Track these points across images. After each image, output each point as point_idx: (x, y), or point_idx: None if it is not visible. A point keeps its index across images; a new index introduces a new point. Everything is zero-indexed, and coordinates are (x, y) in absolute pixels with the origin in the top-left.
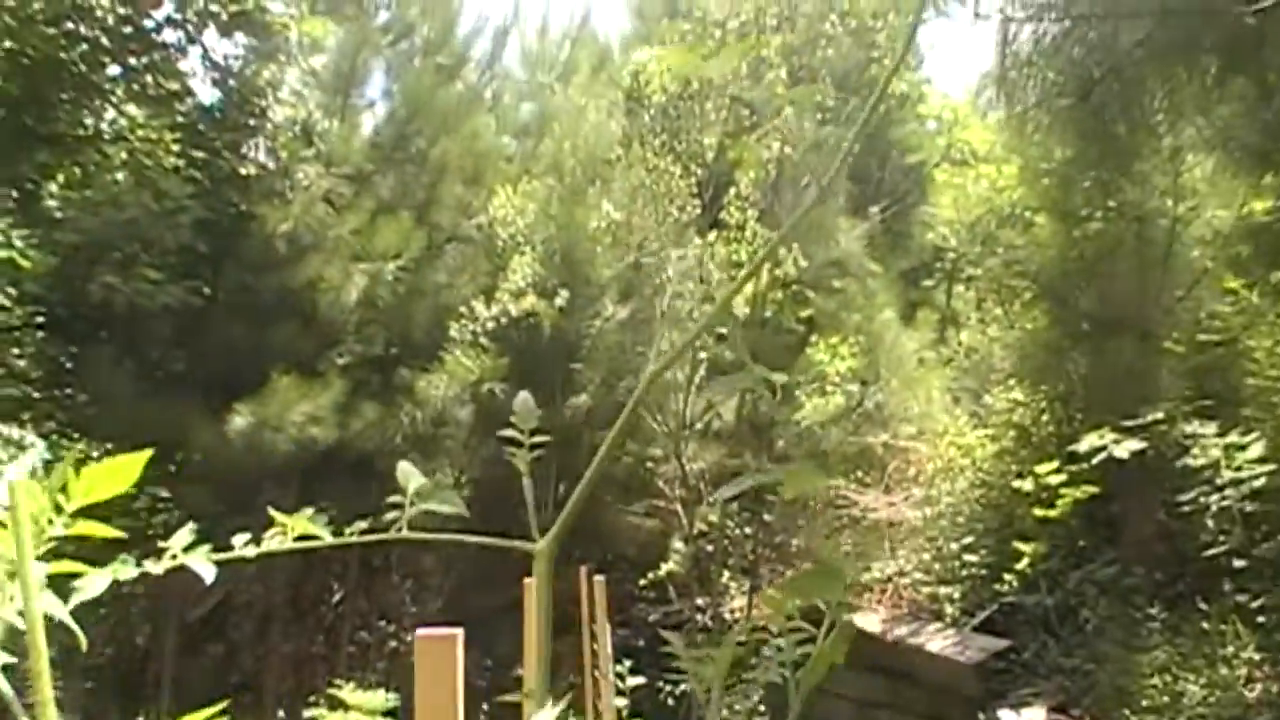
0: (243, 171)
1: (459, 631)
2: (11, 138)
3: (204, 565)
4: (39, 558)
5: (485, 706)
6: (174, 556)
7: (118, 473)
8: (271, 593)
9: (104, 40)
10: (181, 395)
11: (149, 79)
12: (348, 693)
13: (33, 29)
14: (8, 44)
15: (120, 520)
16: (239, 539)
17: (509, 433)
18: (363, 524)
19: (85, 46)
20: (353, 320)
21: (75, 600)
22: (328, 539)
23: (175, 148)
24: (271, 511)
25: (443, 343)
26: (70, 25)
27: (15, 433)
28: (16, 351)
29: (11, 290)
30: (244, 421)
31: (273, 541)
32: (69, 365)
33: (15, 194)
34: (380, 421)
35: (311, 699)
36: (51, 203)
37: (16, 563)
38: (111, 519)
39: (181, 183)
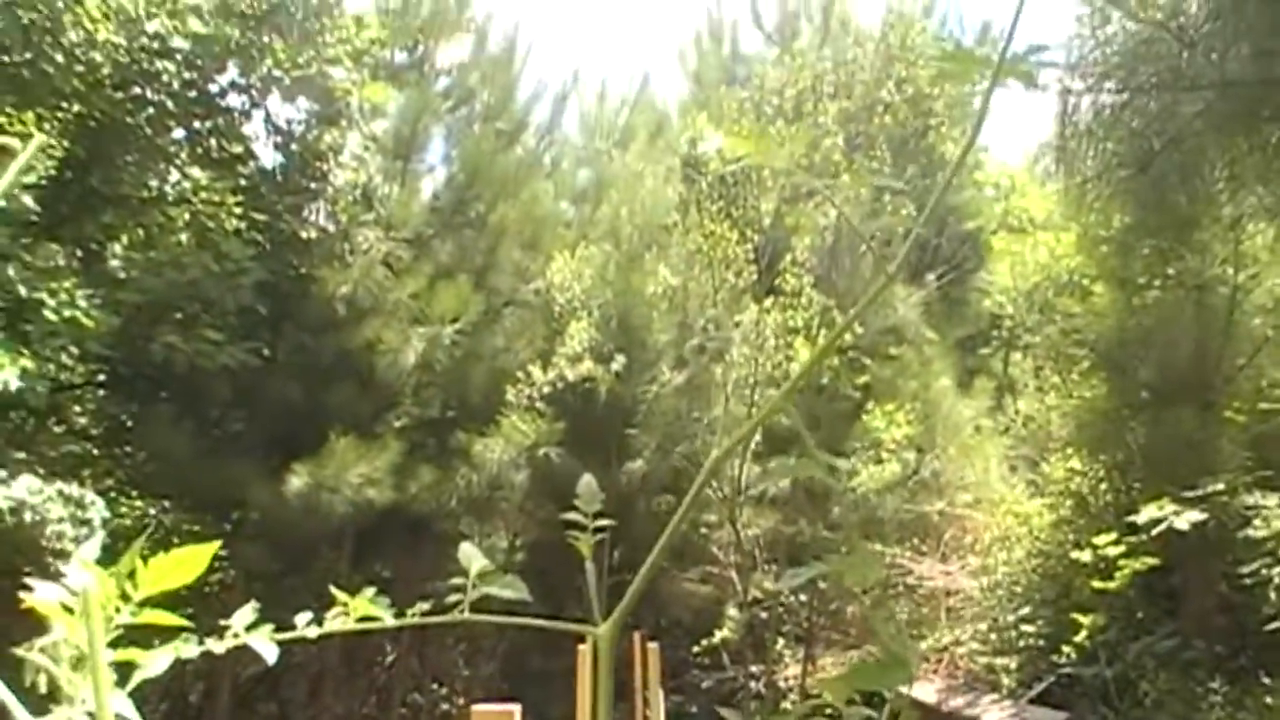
0: (303, 234)
1: (515, 708)
2: (77, 199)
3: (266, 645)
4: (108, 645)
5: None
6: (236, 635)
7: (186, 563)
8: (325, 652)
9: (169, 104)
10: (240, 455)
11: (213, 142)
12: None
13: (100, 93)
14: (76, 108)
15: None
16: (301, 618)
17: (572, 515)
18: (424, 604)
19: (151, 110)
20: (410, 383)
21: (137, 679)
22: (389, 620)
23: (237, 210)
24: (333, 590)
25: (499, 406)
26: (136, 89)
27: (75, 490)
28: (78, 409)
29: (74, 349)
30: (301, 482)
31: (335, 621)
32: (129, 423)
33: (80, 254)
34: (436, 484)
35: None
36: (115, 263)
37: (89, 656)
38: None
39: (243, 245)
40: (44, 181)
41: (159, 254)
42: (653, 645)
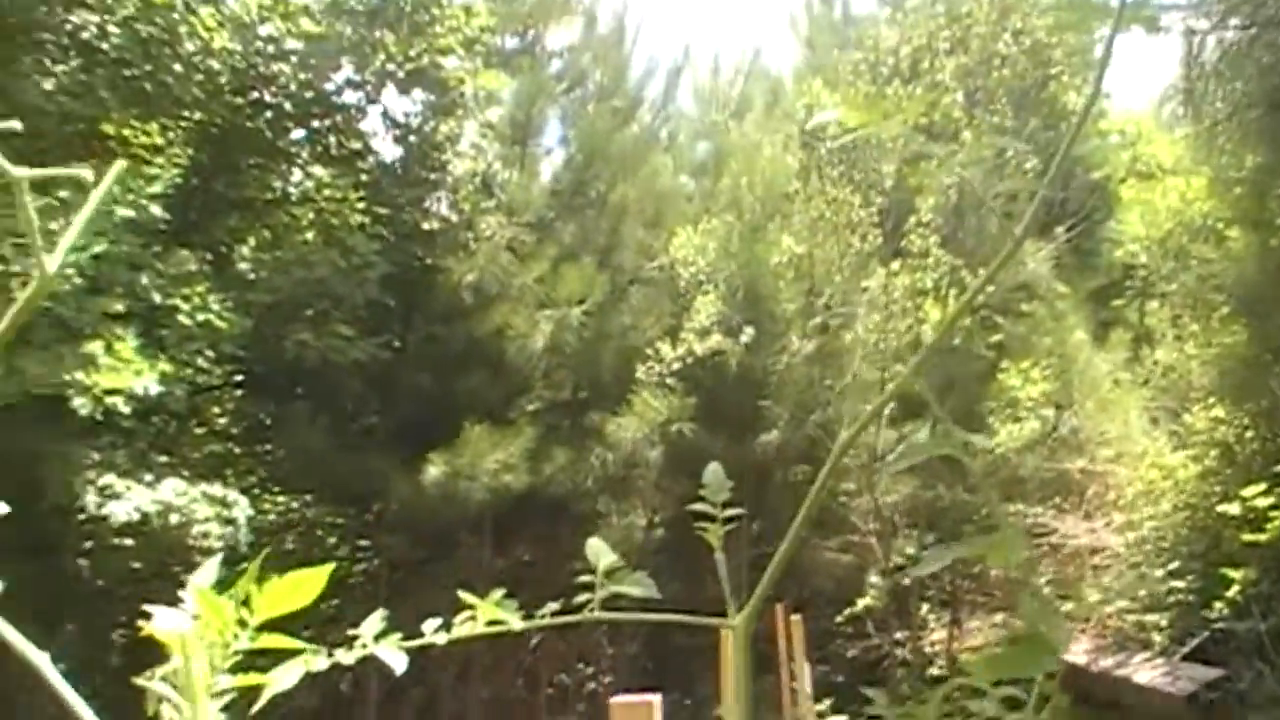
0: (426, 225)
1: (656, 699)
2: (204, 205)
3: (394, 655)
4: (227, 670)
5: None
6: (364, 645)
7: (301, 587)
8: (471, 637)
9: (287, 105)
10: (376, 447)
11: (332, 140)
12: None
13: (219, 99)
14: (197, 115)
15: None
16: (429, 624)
17: (701, 506)
18: (554, 605)
19: (269, 113)
20: (540, 366)
21: (269, 693)
22: (517, 624)
23: (360, 205)
24: (461, 595)
25: (630, 385)
26: (254, 94)
27: (219, 490)
28: (218, 410)
29: (210, 352)
30: (438, 471)
31: (463, 627)
32: (268, 422)
33: (210, 258)
34: (571, 465)
35: None
36: (244, 265)
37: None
38: (317, 564)
39: (368, 239)
40: (171, 190)
41: (286, 253)
42: (796, 617)
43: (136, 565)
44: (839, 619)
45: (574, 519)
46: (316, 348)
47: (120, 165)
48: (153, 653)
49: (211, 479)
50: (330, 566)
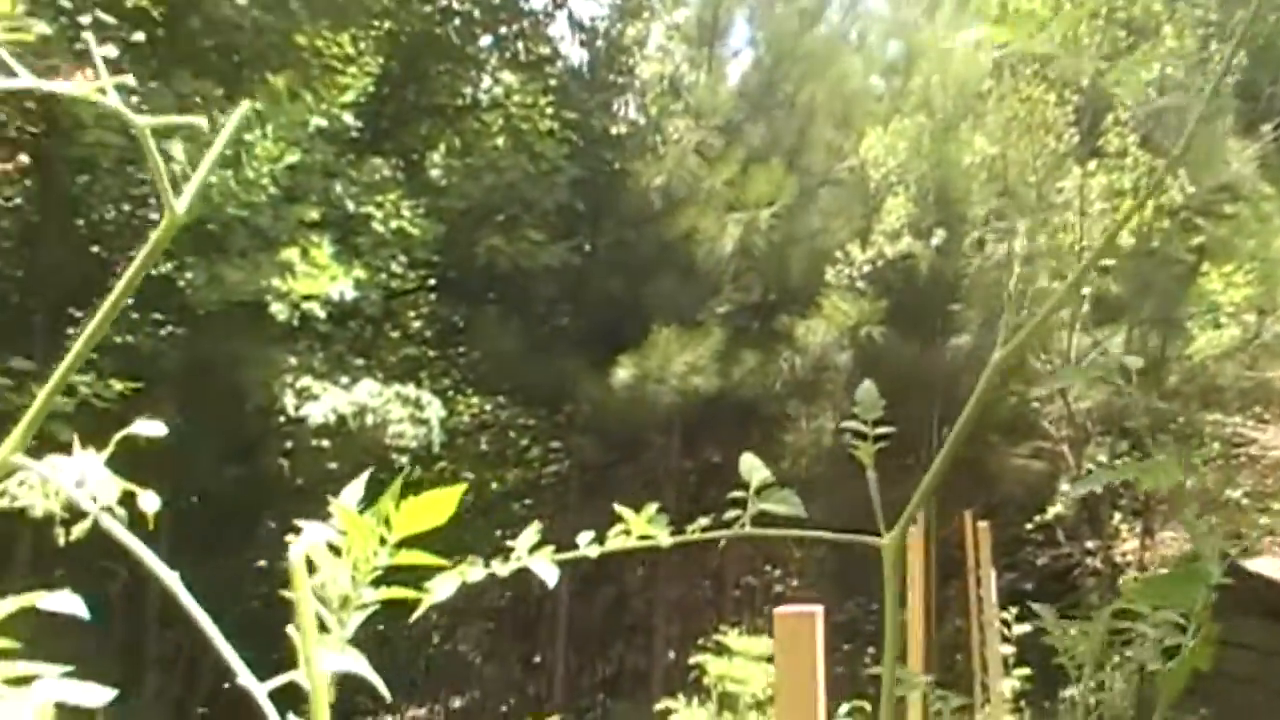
0: (614, 130)
1: (817, 609)
2: (396, 113)
3: (547, 568)
4: (370, 584)
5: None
6: (518, 558)
7: (435, 506)
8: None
9: (475, 12)
10: (566, 349)
11: (520, 46)
12: (732, 638)
13: (409, 8)
14: (388, 25)
15: (516, 470)
16: (583, 537)
17: (852, 424)
18: (705, 520)
19: (458, 20)
20: (729, 269)
21: (427, 603)
22: (665, 540)
23: (549, 111)
24: (617, 507)
25: (819, 288)
26: (444, 1)
27: (413, 391)
28: (412, 314)
29: (403, 257)
30: (627, 374)
31: (615, 541)
32: (461, 325)
33: (402, 166)
34: (760, 368)
35: (699, 643)
36: (435, 172)
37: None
38: (509, 468)
39: (556, 144)
40: (363, 99)
41: (476, 159)
42: (982, 525)
43: (333, 466)
44: (1029, 526)
45: (763, 422)
46: (507, 252)
47: (246, 106)
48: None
49: (405, 381)
50: (462, 488)
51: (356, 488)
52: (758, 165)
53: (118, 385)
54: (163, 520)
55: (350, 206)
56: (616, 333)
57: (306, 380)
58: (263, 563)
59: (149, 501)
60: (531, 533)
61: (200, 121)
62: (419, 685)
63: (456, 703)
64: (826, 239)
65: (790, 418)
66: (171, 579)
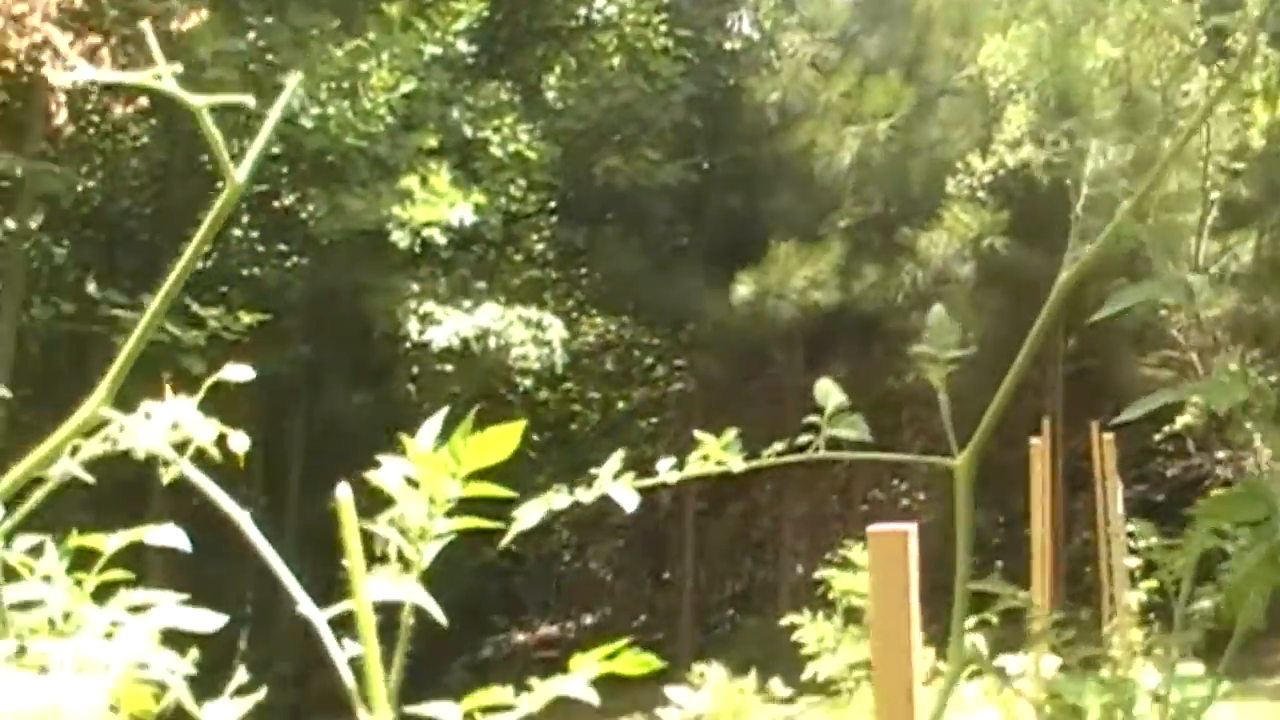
0: (728, 45)
1: (910, 528)
2: (510, 36)
3: (627, 494)
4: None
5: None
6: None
7: (498, 441)
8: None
9: None
10: (686, 268)
11: None
12: (857, 552)
13: None
14: None
15: (641, 389)
16: (663, 464)
17: (923, 349)
18: (779, 445)
19: None
20: (848, 183)
21: (515, 530)
22: (738, 465)
23: (663, 29)
24: (697, 434)
25: (940, 199)
26: None
27: (534, 313)
28: (535, 236)
29: (521, 181)
30: (747, 290)
31: (693, 467)
32: (581, 246)
33: (518, 89)
34: (882, 282)
35: (826, 558)
36: (551, 94)
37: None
38: (634, 387)
39: (671, 62)
40: (476, 25)
41: (592, 80)
42: (1108, 436)
43: (457, 389)
44: (1158, 437)
45: (885, 335)
46: (625, 172)
47: (298, 77)
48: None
49: (528, 304)
50: (521, 424)
51: (435, 424)
52: (874, 77)
53: (246, 318)
54: (296, 446)
55: (467, 132)
56: (736, 249)
57: (429, 306)
58: None
59: (238, 442)
60: (615, 460)
61: (248, 99)
62: (551, 604)
63: (588, 619)
64: (946, 149)
65: (915, 331)
66: (242, 518)
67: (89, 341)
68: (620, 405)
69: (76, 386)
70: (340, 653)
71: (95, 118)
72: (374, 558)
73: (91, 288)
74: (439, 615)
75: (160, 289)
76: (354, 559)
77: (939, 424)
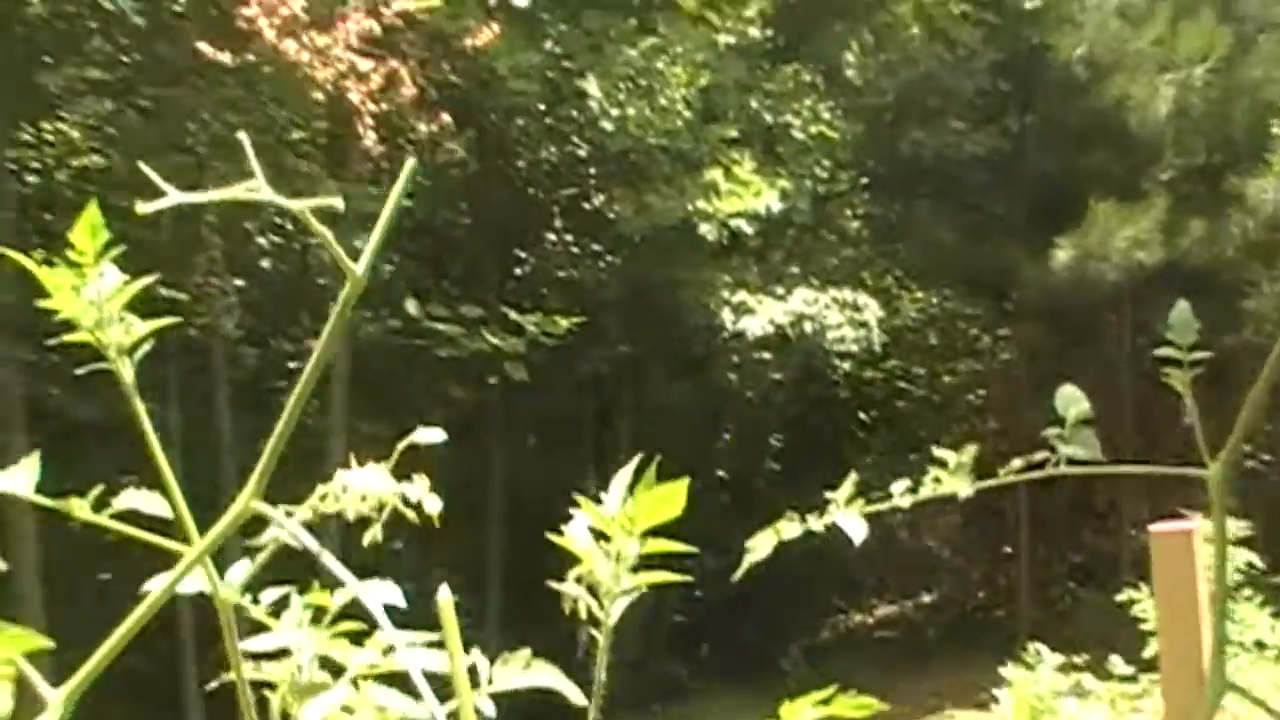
0: (1029, 4)
1: (1195, 525)
2: (805, 17)
3: (855, 524)
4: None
5: None
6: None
7: (666, 499)
8: (1119, 414)
9: None
10: (1003, 235)
11: None
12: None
13: None
14: None
15: (966, 361)
16: (896, 486)
17: (1166, 351)
18: (1018, 461)
19: None
20: (1167, 134)
21: (748, 562)
22: (964, 489)
23: None
24: (936, 451)
25: (1267, 143)
26: None
27: (848, 294)
28: (849, 214)
29: (826, 161)
30: (1067, 254)
31: (925, 490)
32: (894, 222)
33: (818, 70)
34: (1210, 235)
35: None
36: (850, 72)
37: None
38: (959, 359)
39: (972, 28)
40: (770, 9)
41: (891, 54)
42: None
43: (777, 376)
44: None
45: (1218, 290)
46: (932, 144)
47: (411, 165)
48: None
49: (844, 285)
50: (685, 482)
51: (625, 475)
52: (1186, 20)
53: (563, 322)
54: (624, 439)
55: (768, 118)
56: (1053, 213)
57: (742, 295)
58: (722, 474)
59: (432, 504)
60: (848, 485)
61: (338, 203)
62: (888, 582)
63: (925, 598)
64: (1270, 89)
65: (1250, 283)
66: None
67: (417, 354)
68: (946, 379)
69: (406, 397)
70: None
71: (408, 137)
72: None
73: (411, 305)
74: (576, 697)
75: (479, 299)
76: (456, 663)
77: None
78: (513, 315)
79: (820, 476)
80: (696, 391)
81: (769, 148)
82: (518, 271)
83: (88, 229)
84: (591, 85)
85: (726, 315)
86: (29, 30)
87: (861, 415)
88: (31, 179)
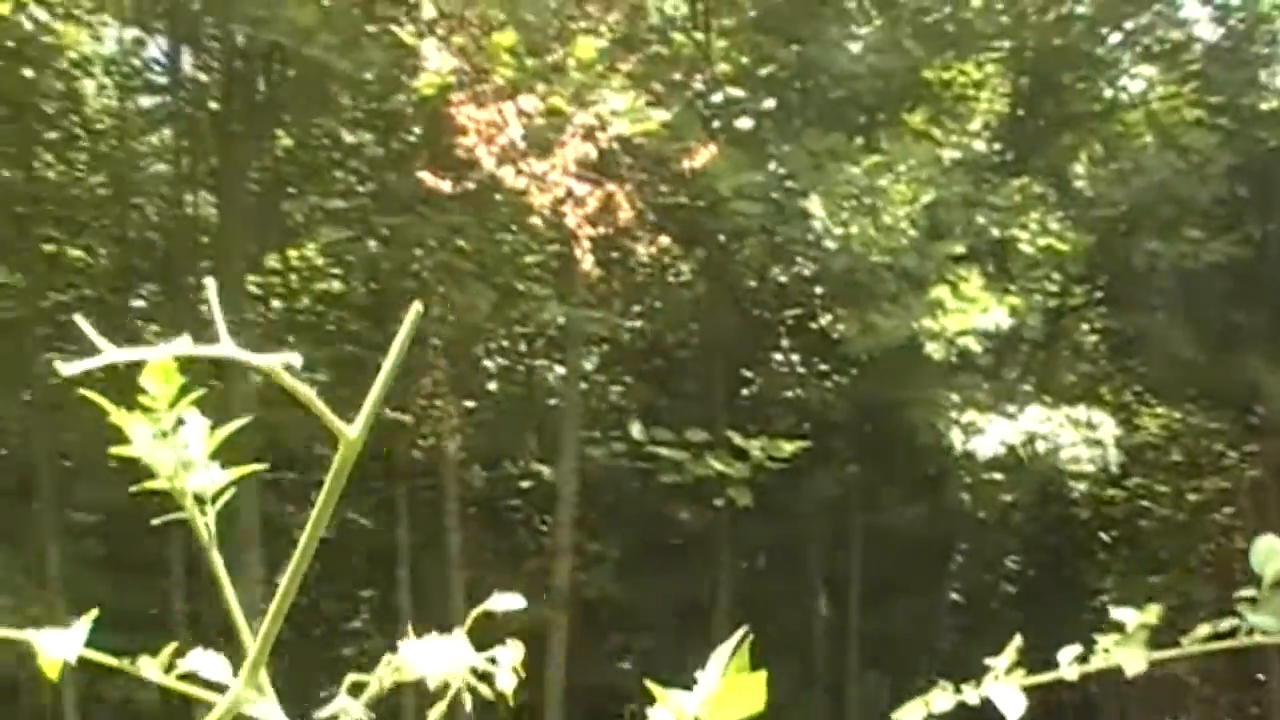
0: (1265, 105)
1: None
2: (1032, 129)
3: (1012, 697)
4: None
5: None
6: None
7: (746, 692)
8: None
9: (1099, 12)
10: (1245, 347)
11: (1151, 37)
12: None
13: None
14: (1009, 43)
15: (1212, 479)
16: (1064, 654)
17: None
18: (1205, 628)
19: (1082, 24)
20: None
21: None
22: (1136, 663)
23: (1192, 98)
24: (1114, 613)
25: None
26: (1065, 8)
27: (1083, 412)
28: (1084, 328)
29: (1056, 275)
30: None
31: (1098, 660)
32: (1130, 335)
33: (1048, 181)
34: None
35: None
36: (1080, 183)
37: None
38: (1204, 477)
39: (1205, 133)
40: (995, 123)
41: (1121, 163)
42: None
43: (1009, 497)
44: None
45: None
46: (1167, 255)
47: (417, 309)
48: None
49: (1079, 402)
50: (763, 674)
51: (723, 653)
52: None
53: (789, 446)
54: (855, 560)
55: (996, 232)
56: None
57: (971, 415)
58: (956, 597)
59: (505, 680)
60: (1011, 650)
61: (294, 358)
62: (1130, 714)
63: None
64: None
65: None
66: None
67: (644, 476)
68: (1191, 497)
69: (634, 518)
70: None
71: (631, 261)
72: None
73: (636, 429)
74: None
75: (706, 420)
76: None
77: None
78: (738, 440)
79: (1058, 598)
80: (928, 513)
81: (997, 263)
82: (744, 391)
83: (161, 375)
84: (815, 204)
85: (956, 435)
86: (275, 162)
87: (1102, 535)
88: (275, 303)
